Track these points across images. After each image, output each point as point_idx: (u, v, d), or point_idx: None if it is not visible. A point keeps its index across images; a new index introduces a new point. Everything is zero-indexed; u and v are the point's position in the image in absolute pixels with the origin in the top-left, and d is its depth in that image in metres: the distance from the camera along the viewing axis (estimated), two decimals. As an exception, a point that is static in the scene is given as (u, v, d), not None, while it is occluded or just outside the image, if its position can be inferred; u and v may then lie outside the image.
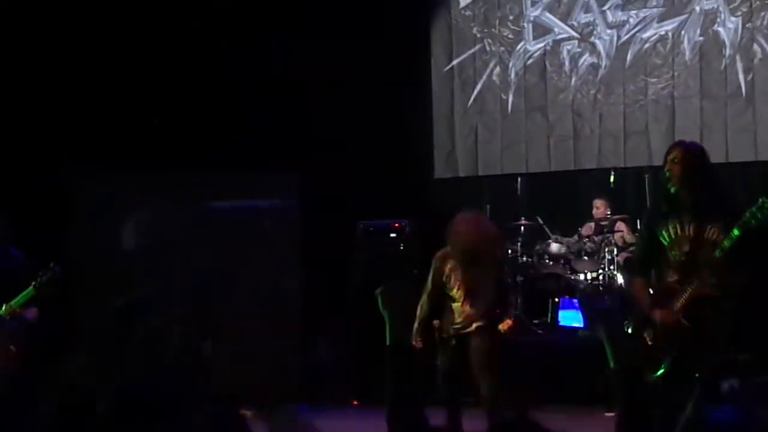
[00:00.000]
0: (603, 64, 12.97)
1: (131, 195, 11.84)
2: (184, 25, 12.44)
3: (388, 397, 3.70)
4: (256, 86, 13.00)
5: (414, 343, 8.66)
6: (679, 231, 6.46)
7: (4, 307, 8.10)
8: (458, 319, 8.68)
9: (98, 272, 11.68)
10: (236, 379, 11.04)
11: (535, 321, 11.84)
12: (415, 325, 8.71)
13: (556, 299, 11.86)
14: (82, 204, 11.82)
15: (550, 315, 11.87)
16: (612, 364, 7.94)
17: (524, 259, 12.13)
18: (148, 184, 11.85)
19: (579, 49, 13.09)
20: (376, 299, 3.75)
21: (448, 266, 8.68)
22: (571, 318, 11.82)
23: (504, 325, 8.67)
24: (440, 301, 8.79)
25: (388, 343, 3.72)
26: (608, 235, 11.93)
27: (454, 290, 8.69)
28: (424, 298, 8.75)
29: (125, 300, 11.60)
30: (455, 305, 8.70)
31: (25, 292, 8.10)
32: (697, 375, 6.05)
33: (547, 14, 13.25)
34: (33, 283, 8.09)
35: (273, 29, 13.00)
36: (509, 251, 11.94)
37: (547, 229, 12.20)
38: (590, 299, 11.50)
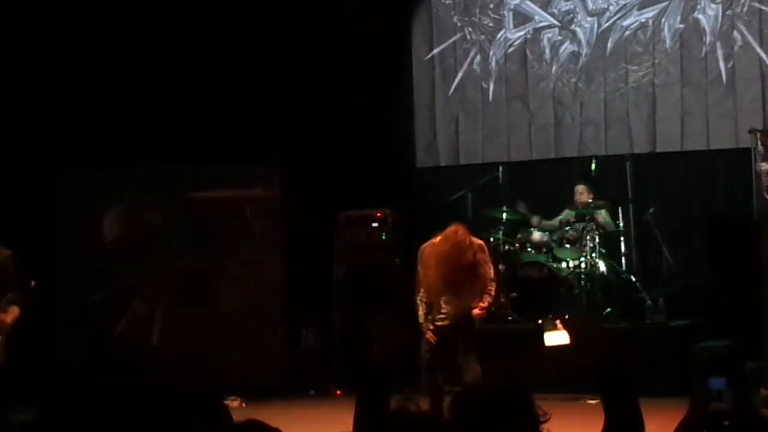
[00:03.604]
0: (584, 52, 12.96)
1: (114, 186, 11.84)
2: (168, 18, 12.42)
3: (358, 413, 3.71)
4: (238, 78, 12.96)
5: (426, 334, 8.70)
6: None
7: None
8: (443, 311, 8.72)
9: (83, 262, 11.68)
10: (220, 369, 11.04)
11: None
12: (421, 319, 8.75)
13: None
14: (67, 195, 11.79)
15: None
16: None
17: (506, 247, 12.12)
18: (130, 176, 11.83)
19: (559, 37, 13.08)
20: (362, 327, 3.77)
21: (433, 260, 8.74)
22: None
23: (477, 310, 8.73)
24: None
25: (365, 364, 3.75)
26: (590, 222, 11.92)
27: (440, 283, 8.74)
28: (422, 291, 8.78)
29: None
30: (441, 297, 8.75)
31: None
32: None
33: (528, 2, 13.23)
34: (9, 295, 8.17)
35: (253, 22, 12.98)
36: (491, 239, 11.89)
37: (526, 212, 12.19)
38: None
